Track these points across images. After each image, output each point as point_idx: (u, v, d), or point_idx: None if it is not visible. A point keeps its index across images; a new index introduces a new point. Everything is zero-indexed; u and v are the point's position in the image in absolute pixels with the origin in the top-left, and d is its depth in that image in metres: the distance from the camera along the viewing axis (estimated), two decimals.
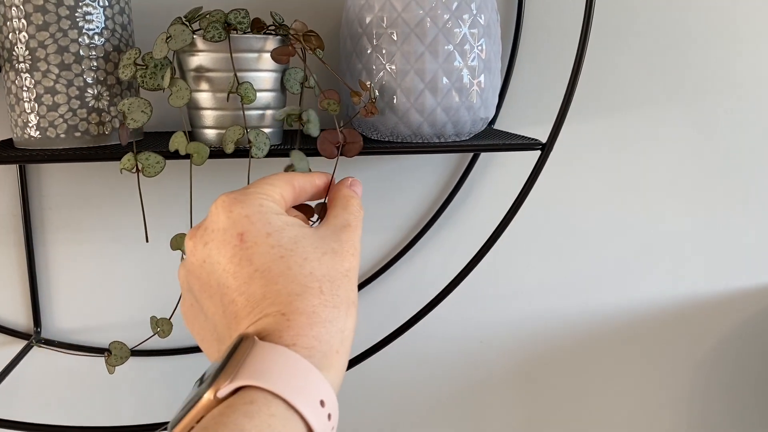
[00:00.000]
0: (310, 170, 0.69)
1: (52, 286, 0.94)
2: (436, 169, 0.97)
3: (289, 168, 0.68)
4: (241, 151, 0.70)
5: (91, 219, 0.92)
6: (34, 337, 0.93)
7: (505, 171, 0.98)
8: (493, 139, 0.79)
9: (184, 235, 0.67)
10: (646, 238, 1.03)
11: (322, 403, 0.39)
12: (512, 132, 0.91)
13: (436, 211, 0.98)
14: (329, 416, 0.39)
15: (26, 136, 0.73)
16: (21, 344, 0.94)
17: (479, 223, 0.99)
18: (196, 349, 0.97)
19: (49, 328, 0.95)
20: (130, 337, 0.95)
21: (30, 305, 0.93)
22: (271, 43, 0.70)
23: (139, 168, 0.67)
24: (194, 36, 0.68)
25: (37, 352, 0.95)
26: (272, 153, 0.71)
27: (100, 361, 0.95)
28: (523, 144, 0.75)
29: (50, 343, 0.95)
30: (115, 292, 0.95)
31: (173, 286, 0.95)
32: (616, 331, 1.07)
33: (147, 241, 0.68)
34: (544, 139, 0.76)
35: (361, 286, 0.99)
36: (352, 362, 0.89)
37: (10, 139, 0.84)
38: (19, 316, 0.94)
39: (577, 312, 1.05)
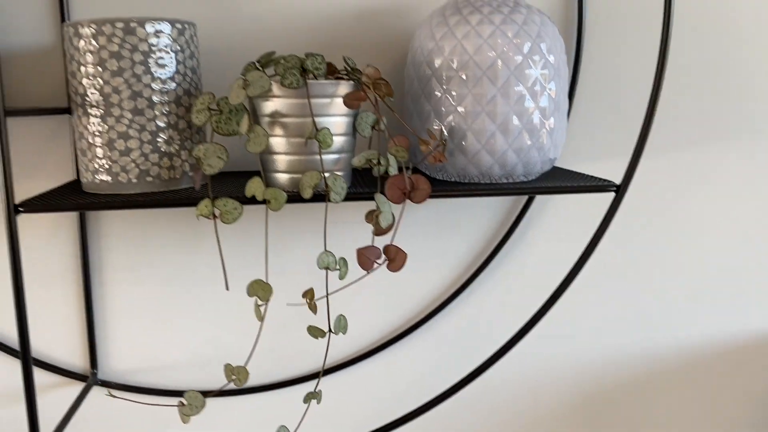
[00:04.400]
0: (392, 215, 0.68)
1: (109, 327, 0.93)
2: (493, 206, 0.96)
3: (373, 212, 0.67)
4: (316, 196, 0.69)
5: (149, 261, 0.92)
6: (91, 379, 0.92)
7: (561, 209, 0.97)
8: (560, 179, 0.79)
9: (261, 281, 0.67)
10: (704, 277, 1.02)
11: None
12: (571, 169, 0.90)
13: (493, 249, 0.96)
14: None
15: (97, 181, 0.73)
16: (76, 385, 0.94)
17: (537, 261, 0.98)
18: (258, 390, 0.96)
19: (104, 370, 0.94)
20: (186, 379, 0.95)
21: (87, 346, 0.93)
22: (344, 88, 0.70)
23: (216, 214, 0.66)
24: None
25: (94, 393, 0.94)
26: (346, 197, 0.70)
27: (157, 401, 0.94)
28: (598, 186, 0.74)
29: (107, 384, 0.94)
30: (171, 334, 0.94)
31: (231, 328, 0.94)
32: (676, 368, 1.05)
33: (227, 289, 0.68)
34: (606, 175, 0.75)
35: (418, 325, 0.97)
36: (417, 412, 0.88)
37: (74, 182, 0.84)
38: (76, 357, 0.94)
39: (636, 349, 1.03)
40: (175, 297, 0.93)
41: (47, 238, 0.90)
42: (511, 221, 0.96)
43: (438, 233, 0.96)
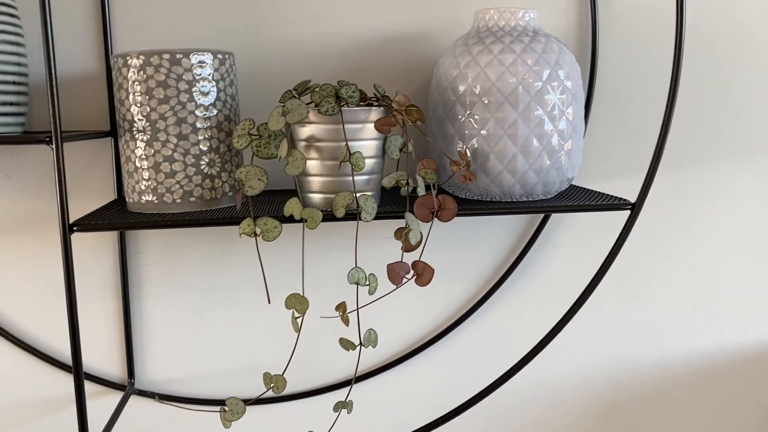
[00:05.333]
0: (420, 233, 0.73)
1: (145, 339, 0.98)
2: (510, 223, 1.00)
3: (403, 230, 0.72)
4: (348, 215, 0.74)
5: (185, 275, 0.97)
6: (129, 388, 0.97)
7: (576, 225, 1.01)
8: (577, 197, 0.83)
9: (298, 295, 0.72)
10: (715, 287, 1.05)
11: None
12: (586, 187, 0.94)
13: (511, 264, 1.01)
14: None
15: (143, 201, 0.78)
16: (113, 394, 0.98)
17: (553, 275, 1.02)
18: (288, 398, 1.01)
19: (141, 379, 0.99)
20: (217, 388, 1.00)
21: (125, 357, 0.97)
22: (375, 114, 0.75)
23: (257, 233, 0.71)
24: None
25: (131, 401, 0.99)
26: (377, 216, 0.75)
27: (191, 410, 0.98)
28: (613, 204, 0.79)
29: (144, 393, 0.98)
30: (204, 345, 0.99)
31: (262, 339, 0.99)
32: (689, 379, 1.08)
33: (269, 302, 0.72)
34: (619, 192, 0.79)
35: (437, 338, 1.02)
36: (439, 421, 0.91)
37: (116, 201, 0.89)
38: (114, 368, 0.98)
39: (649, 360, 1.07)
40: (208, 310, 0.98)
41: (88, 255, 0.95)
42: (528, 237, 1.01)
43: (458, 249, 1.00)
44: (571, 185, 0.94)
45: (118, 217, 0.76)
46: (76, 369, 0.73)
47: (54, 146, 0.69)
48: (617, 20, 0.97)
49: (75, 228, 0.72)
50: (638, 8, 0.97)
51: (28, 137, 0.72)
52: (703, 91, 1.00)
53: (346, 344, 0.75)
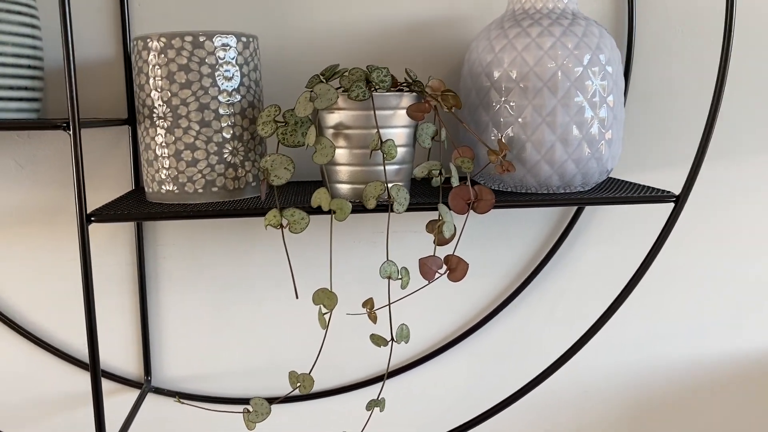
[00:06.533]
0: (454, 226, 0.69)
1: (163, 335, 0.95)
2: (542, 216, 0.96)
3: (436, 222, 0.68)
4: (379, 206, 0.70)
5: (205, 269, 0.93)
6: (145, 386, 0.94)
7: (611, 220, 0.97)
8: (616, 189, 0.79)
9: (326, 290, 0.68)
10: (753, 288, 1.01)
11: None
12: (620, 178, 0.90)
13: (543, 259, 0.97)
14: None
15: (162, 191, 0.75)
16: (129, 392, 0.95)
17: (586, 271, 0.98)
18: (313, 396, 0.97)
19: (158, 377, 0.96)
20: (237, 387, 0.96)
21: (141, 354, 0.94)
22: (407, 100, 0.71)
23: (284, 224, 0.68)
24: None
25: (148, 399, 0.96)
26: (408, 207, 0.71)
27: (209, 410, 0.95)
28: (657, 197, 0.75)
29: (160, 391, 0.95)
30: (223, 342, 0.95)
31: (286, 335, 0.95)
32: (725, 380, 1.04)
33: (297, 297, 0.68)
34: (654, 185, 0.75)
35: (465, 335, 0.98)
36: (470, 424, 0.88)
37: (134, 191, 0.86)
38: (130, 364, 0.95)
39: (681, 361, 1.03)
40: (229, 305, 0.95)
41: (104, 247, 0.92)
42: (560, 231, 0.97)
43: (487, 243, 0.96)
44: (609, 177, 0.90)
45: (137, 208, 0.73)
46: (93, 366, 0.69)
47: (71, 132, 0.65)
48: (655, 6, 0.92)
49: (93, 218, 0.69)
50: None
51: (44, 122, 0.68)
52: (746, 82, 0.95)
53: (377, 340, 0.72)
